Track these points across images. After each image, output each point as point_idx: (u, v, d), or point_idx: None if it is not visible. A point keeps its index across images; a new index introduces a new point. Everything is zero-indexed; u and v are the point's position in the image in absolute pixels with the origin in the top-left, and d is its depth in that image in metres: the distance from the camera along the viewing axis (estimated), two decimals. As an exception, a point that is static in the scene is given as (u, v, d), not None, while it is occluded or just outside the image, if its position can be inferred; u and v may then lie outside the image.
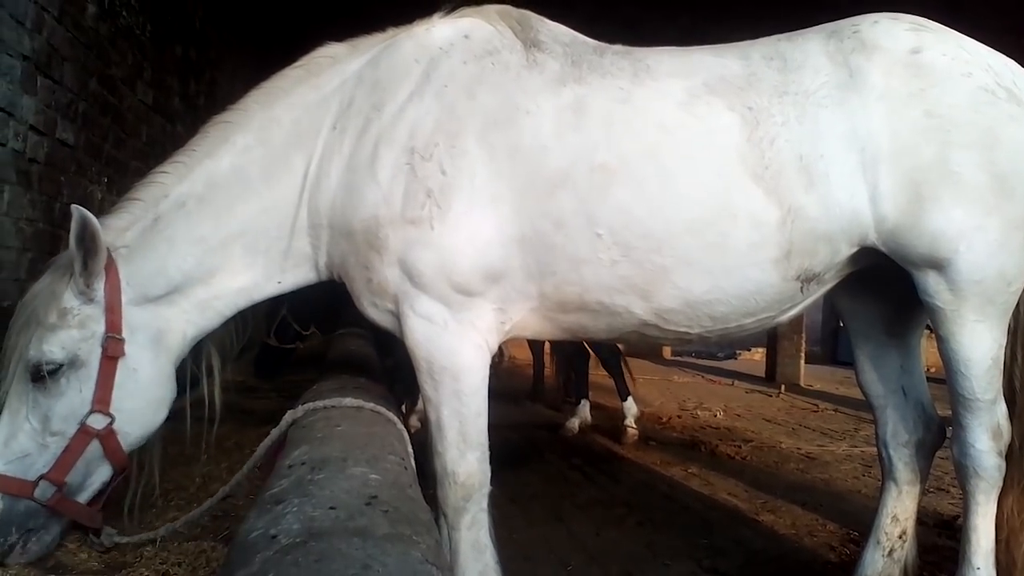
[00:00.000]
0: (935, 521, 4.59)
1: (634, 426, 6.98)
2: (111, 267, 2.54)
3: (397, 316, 2.64)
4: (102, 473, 2.59)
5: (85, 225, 2.43)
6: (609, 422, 7.41)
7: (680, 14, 8.68)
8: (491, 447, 2.68)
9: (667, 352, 18.82)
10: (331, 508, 1.42)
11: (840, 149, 2.51)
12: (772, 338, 13.56)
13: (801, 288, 2.65)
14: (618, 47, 2.79)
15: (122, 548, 2.80)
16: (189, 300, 2.68)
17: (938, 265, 2.55)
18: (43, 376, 2.45)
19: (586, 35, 2.87)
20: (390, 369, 4.76)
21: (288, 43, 3.89)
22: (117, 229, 2.63)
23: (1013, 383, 2.82)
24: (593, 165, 2.51)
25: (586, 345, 7.47)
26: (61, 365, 2.47)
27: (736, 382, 13.01)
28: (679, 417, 8.67)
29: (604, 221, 2.50)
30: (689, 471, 5.87)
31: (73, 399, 2.49)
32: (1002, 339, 2.67)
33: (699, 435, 7.44)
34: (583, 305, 2.64)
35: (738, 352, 20.26)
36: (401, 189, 2.52)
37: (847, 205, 2.52)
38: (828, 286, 2.79)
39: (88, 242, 2.45)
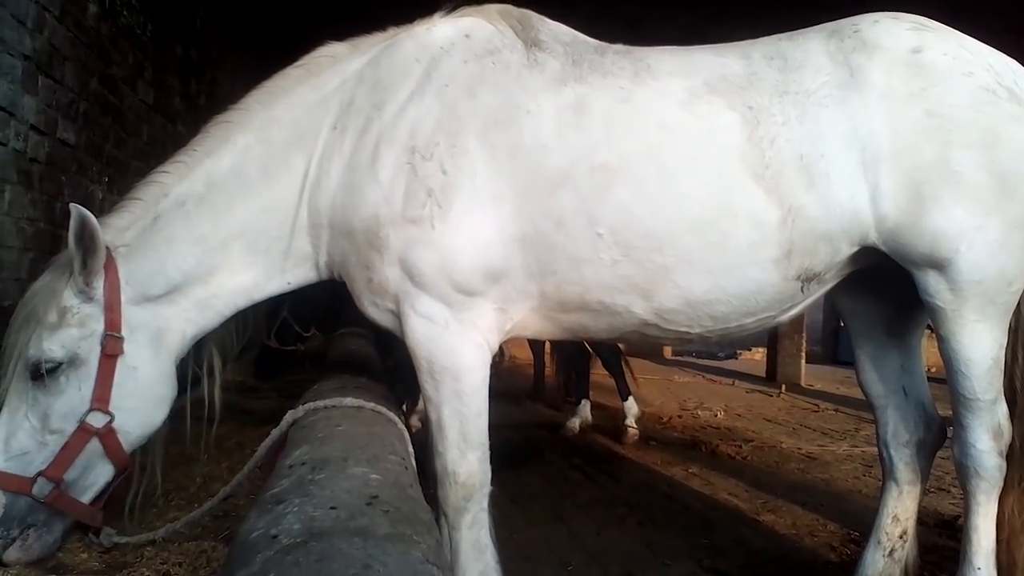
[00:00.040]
0: (936, 521, 4.59)
1: (635, 426, 6.98)
2: (110, 266, 2.54)
3: (398, 316, 2.64)
4: (104, 472, 2.59)
5: (84, 224, 2.43)
6: (610, 422, 7.41)
7: (681, 13, 8.68)
8: (492, 447, 2.68)
9: (668, 352, 18.82)
10: (332, 508, 1.41)
11: (841, 148, 2.50)
12: (773, 338, 13.56)
13: (802, 288, 2.65)
14: (619, 46, 2.79)
15: (123, 548, 2.80)
16: (189, 299, 2.68)
17: (939, 265, 2.55)
18: (42, 374, 2.45)
19: (587, 34, 2.87)
20: (391, 369, 4.76)
21: (289, 43, 3.89)
22: (117, 228, 2.63)
23: (1014, 383, 2.81)
24: (594, 164, 2.51)
25: (587, 345, 7.47)
26: (60, 363, 2.47)
27: (737, 382, 13.01)
28: (680, 417, 8.67)
29: (605, 220, 2.50)
30: (690, 471, 5.87)
31: (72, 397, 2.49)
32: (1003, 339, 2.67)
33: (700, 435, 7.44)
34: (584, 305, 2.64)
35: (739, 352, 20.25)
36: (402, 188, 2.52)
37: (848, 204, 2.51)
38: (829, 286, 2.79)
39: (87, 241, 2.45)
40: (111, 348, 2.51)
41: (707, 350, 19.25)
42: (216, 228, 2.66)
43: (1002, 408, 2.72)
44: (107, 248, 2.54)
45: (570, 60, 2.68)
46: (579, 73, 2.64)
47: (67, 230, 2.45)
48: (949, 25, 2.73)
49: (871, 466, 6.19)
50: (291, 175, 2.68)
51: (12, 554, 2.44)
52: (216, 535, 3.14)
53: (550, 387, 9.10)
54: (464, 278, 2.52)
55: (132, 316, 2.58)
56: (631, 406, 7.12)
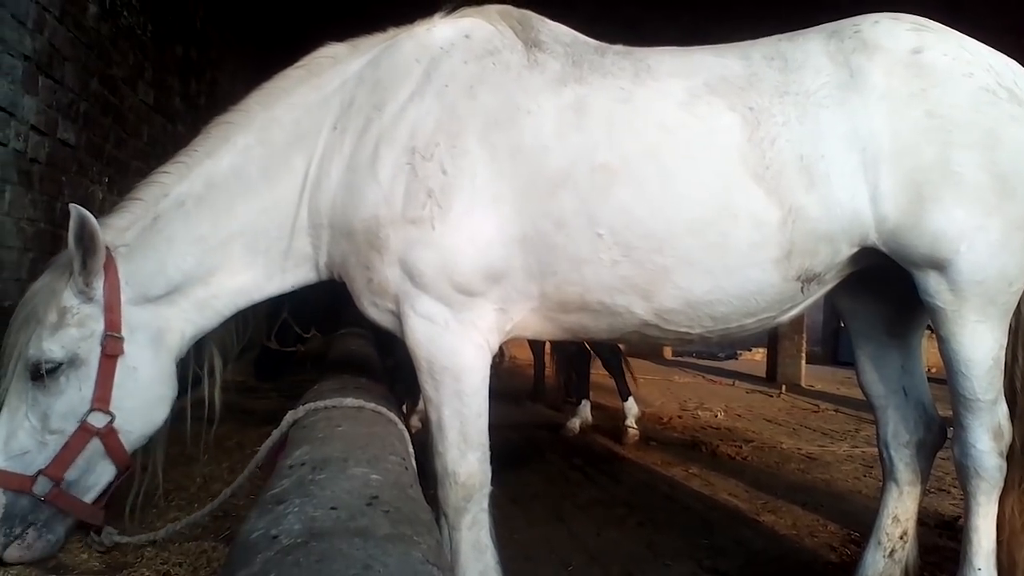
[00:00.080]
0: (936, 522, 4.59)
1: (635, 426, 6.98)
2: (110, 266, 2.55)
3: (398, 316, 2.64)
4: (106, 472, 2.59)
5: (83, 224, 2.43)
6: (610, 422, 7.41)
7: (681, 14, 8.69)
8: (492, 447, 2.68)
9: (668, 352, 18.83)
10: (332, 508, 1.41)
11: (841, 149, 2.50)
12: (773, 338, 13.56)
13: (802, 288, 2.65)
14: (619, 47, 2.79)
15: (123, 548, 2.80)
16: (189, 299, 2.68)
17: (939, 265, 2.55)
18: (42, 375, 2.46)
19: (587, 35, 2.87)
20: (391, 369, 4.76)
21: (289, 43, 3.89)
22: (117, 228, 2.63)
23: (1014, 383, 2.81)
24: (594, 165, 2.51)
25: (587, 345, 7.47)
26: (60, 364, 2.48)
27: (737, 382, 13.01)
28: (680, 417, 8.67)
29: (605, 221, 2.50)
30: (690, 471, 5.87)
31: (72, 397, 2.50)
32: (1003, 339, 2.67)
33: (700, 435, 7.44)
34: (584, 305, 2.64)
35: (739, 352, 20.25)
36: (402, 189, 2.52)
37: (848, 205, 2.52)
38: (829, 286, 2.79)
39: (87, 241, 2.45)
40: (111, 348, 2.52)
41: (707, 350, 19.26)
42: (216, 228, 2.66)
43: (1002, 409, 2.72)
44: (107, 248, 2.54)
45: (570, 61, 2.68)
46: (579, 74, 2.64)
47: (67, 230, 2.45)
48: (949, 25, 2.73)
49: (871, 467, 6.19)
50: (291, 175, 2.68)
51: (13, 552, 2.45)
52: (216, 535, 3.14)
53: (550, 387, 9.10)
54: (464, 278, 2.52)
55: (132, 316, 2.58)
56: (631, 406, 7.11)
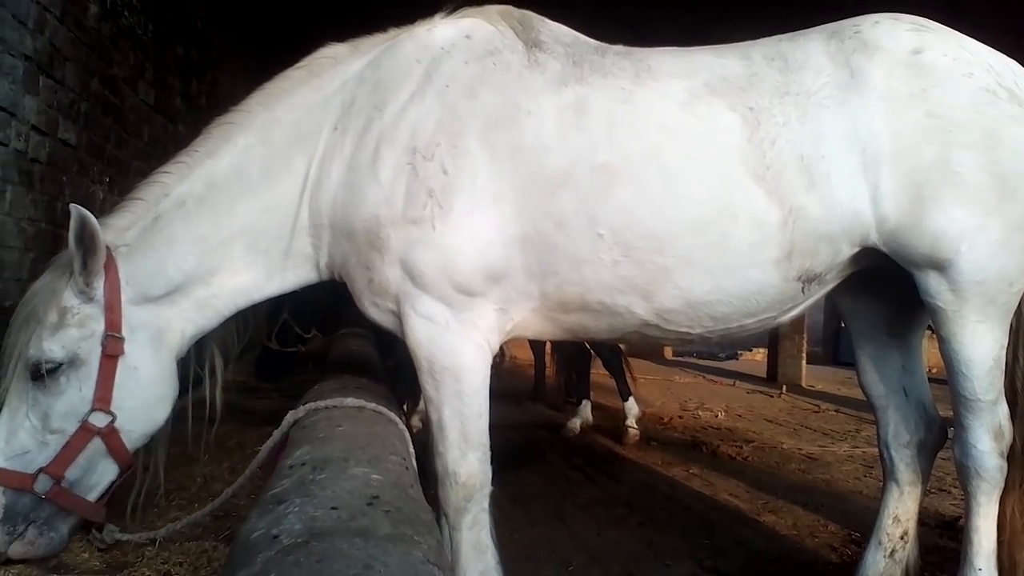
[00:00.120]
0: (937, 522, 4.59)
1: (635, 426, 6.97)
2: (111, 266, 2.55)
3: (398, 316, 2.64)
4: (108, 471, 2.60)
5: (84, 224, 2.43)
6: (610, 422, 7.40)
7: (682, 14, 8.69)
8: (492, 447, 2.68)
9: (668, 352, 18.82)
10: (333, 508, 1.42)
11: (841, 149, 2.51)
12: (773, 338, 13.56)
13: (802, 288, 2.65)
14: (619, 47, 2.79)
15: (123, 548, 2.80)
16: (189, 299, 2.69)
17: (939, 265, 2.55)
18: (42, 374, 2.46)
19: (588, 35, 2.87)
20: (391, 369, 4.76)
21: (289, 43, 3.90)
22: (118, 228, 2.64)
23: (1015, 384, 2.81)
24: (594, 165, 2.51)
25: (587, 345, 7.47)
26: (60, 364, 2.48)
27: (737, 382, 13.00)
28: (680, 417, 8.67)
29: (605, 221, 2.51)
30: (690, 471, 5.87)
31: (73, 397, 2.50)
32: (1004, 339, 2.67)
33: (700, 435, 7.44)
34: (584, 305, 2.64)
35: (739, 352, 20.25)
36: (403, 189, 2.52)
37: (848, 205, 2.52)
38: (829, 286, 2.79)
39: (87, 241, 2.46)
40: (112, 348, 2.52)
41: (708, 351, 19.26)
42: (217, 228, 2.66)
43: (1003, 409, 2.72)
44: (107, 248, 2.54)
45: (571, 61, 2.69)
46: (580, 74, 2.64)
47: (68, 230, 2.45)
48: (949, 26, 2.73)
49: (872, 467, 6.19)
50: (292, 175, 2.69)
51: (17, 548, 2.47)
52: (217, 535, 3.14)
53: (551, 387, 9.10)
54: (465, 278, 2.52)
55: (132, 316, 2.58)
56: (632, 407, 7.11)
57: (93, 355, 2.52)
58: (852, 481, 5.83)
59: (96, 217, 2.50)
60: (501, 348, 2.96)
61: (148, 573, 2.72)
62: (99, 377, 2.51)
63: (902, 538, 3.10)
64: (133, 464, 2.67)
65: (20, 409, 2.50)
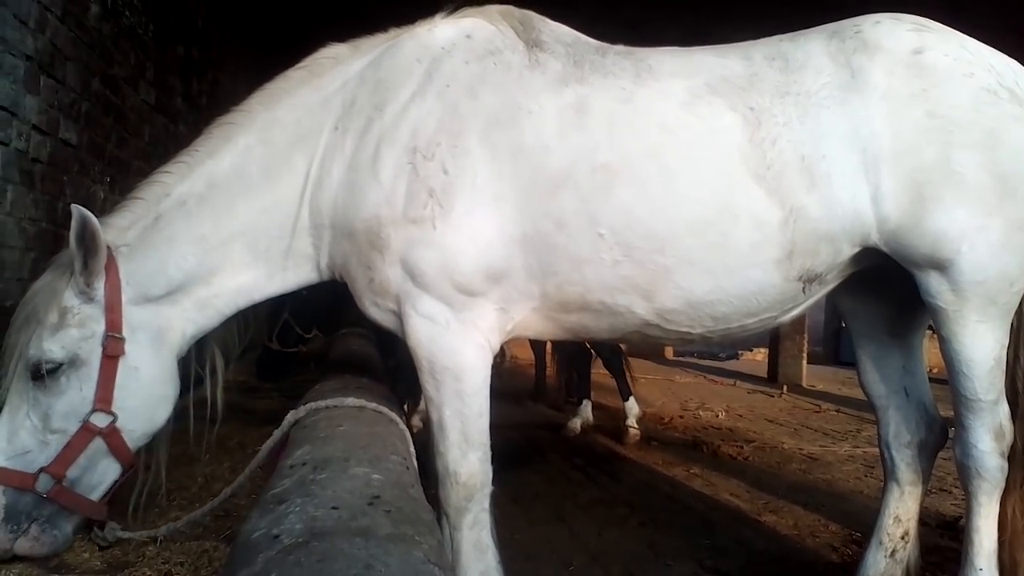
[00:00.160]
0: (937, 522, 4.59)
1: (636, 426, 6.98)
2: (111, 266, 2.55)
3: (399, 316, 2.64)
4: (110, 470, 2.60)
5: (85, 224, 2.43)
6: (611, 422, 7.40)
7: (683, 14, 8.69)
8: (493, 447, 2.68)
9: (669, 352, 18.83)
10: (333, 508, 1.42)
11: (842, 149, 2.50)
12: (774, 338, 13.56)
13: (803, 288, 2.65)
14: (620, 47, 2.79)
15: (124, 548, 2.81)
16: (190, 299, 2.68)
17: (940, 265, 2.54)
18: (43, 375, 2.46)
19: (588, 35, 2.87)
20: (392, 369, 4.76)
21: (290, 43, 3.90)
22: (119, 228, 2.63)
23: (1015, 384, 2.81)
24: (595, 165, 2.51)
25: (588, 345, 7.47)
26: (61, 364, 2.47)
27: (738, 382, 13.00)
28: (681, 417, 8.67)
29: (606, 221, 2.50)
30: (691, 471, 5.87)
31: (73, 397, 2.50)
32: (1004, 339, 2.67)
33: (701, 435, 7.44)
34: (585, 305, 2.64)
35: (740, 352, 20.25)
36: (403, 189, 2.52)
37: (849, 205, 2.51)
38: (830, 286, 2.79)
39: (88, 241, 2.45)
40: (112, 349, 2.52)
41: (709, 350, 19.26)
42: (217, 228, 2.66)
43: (1004, 409, 2.72)
44: (108, 248, 2.54)
45: (571, 61, 2.68)
46: (580, 74, 2.64)
47: (69, 230, 2.45)
48: (950, 26, 2.73)
49: (873, 467, 6.19)
50: (292, 175, 2.69)
51: (23, 545, 2.47)
52: (218, 535, 3.14)
53: (551, 387, 9.10)
54: (465, 278, 2.52)
55: (133, 316, 2.58)
56: (632, 406, 7.11)
57: (94, 355, 2.52)
58: (853, 481, 5.83)
59: (97, 217, 2.50)
60: (502, 348, 2.97)
61: (149, 573, 2.73)
62: (100, 377, 2.51)
63: (903, 538, 3.10)
64: (135, 463, 2.67)
65: (21, 409, 2.50)
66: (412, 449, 2.39)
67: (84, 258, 2.47)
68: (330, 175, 2.65)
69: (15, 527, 2.44)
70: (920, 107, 2.50)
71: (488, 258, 2.53)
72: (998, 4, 7.66)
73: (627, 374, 7.37)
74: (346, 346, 4.77)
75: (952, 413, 2.78)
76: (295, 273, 2.80)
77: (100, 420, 2.50)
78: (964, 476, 2.74)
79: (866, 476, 5.99)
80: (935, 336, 2.76)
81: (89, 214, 2.44)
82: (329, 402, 2.51)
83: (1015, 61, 2.68)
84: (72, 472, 2.50)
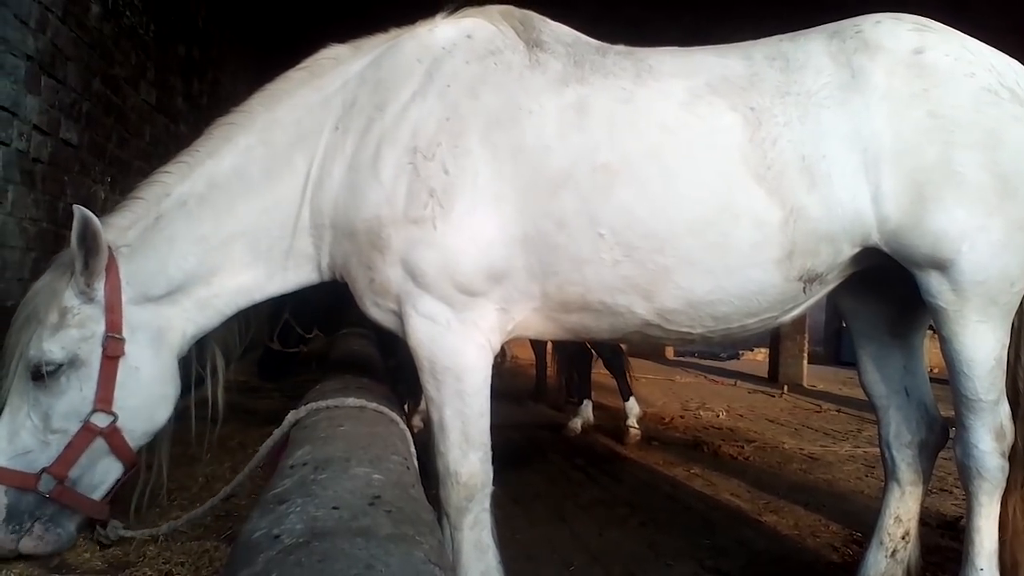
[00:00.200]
0: (938, 522, 4.58)
1: (636, 426, 6.97)
2: (111, 266, 2.55)
3: (400, 316, 2.64)
4: (112, 470, 2.61)
5: (87, 224, 2.44)
6: (612, 422, 7.40)
7: (683, 14, 8.69)
8: (494, 447, 2.68)
9: (670, 352, 18.82)
10: (334, 508, 1.42)
11: (842, 149, 2.50)
12: (775, 338, 13.55)
13: (804, 288, 2.65)
14: (620, 47, 2.79)
15: (125, 548, 2.81)
16: (190, 299, 2.69)
17: (941, 265, 2.54)
18: (43, 375, 2.46)
19: (589, 35, 2.87)
20: (393, 369, 4.76)
21: (290, 43, 3.91)
22: (119, 228, 2.64)
23: (1016, 384, 2.81)
24: (595, 165, 2.51)
25: (588, 345, 7.47)
26: (61, 364, 2.48)
27: (739, 382, 12.99)
28: (682, 417, 8.67)
29: (606, 221, 2.51)
30: (692, 471, 5.86)
31: (74, 398, 2.51)
32: (1005, 339, 2.67)
33: (702, 435, 7.44)
34: (585, 305, 2.64)
35: (741, 352, 20.25)
36: (404, 189, 2.52)
37: (849, 205, 2.51)
38: (831, 286, 2.79)
39: (89, 242, 2.46)
40: (112, 350, 2.52)
41: (709, 350, 19.25)
42: (218, 228, 2.67)
43: (1004, 409, 2.71)
44: (109, 248, 2.54)
45: (572, 61, 2.69)
46: (581, 74, 2.64)
47: (70, 230, 2.45)
48: (951, 25, 2.73)
49: (873, 467, 6.19)
50: (293, 175, 2.69)
51: (27, 544, 2.49)
52: (219, 535, 3.14)
53: (552, 387, 9.09)
54: (466, 278, 2.52)
55: (133, 316, 2.59)
56: (633, 406, 7.11)
57: (93, 356, 2.52)
58: (854, 481, 5.83)
59: (98, 217, 2.50)
60: (502, 348, 2.97)
61: (150, 573, 2.72)
62: (100, 378, 2.51)
63: (904, 538, 3.10)
64: (137, 462, 2.68)
65: (22, 409, 2.50)
66: (413, 449, 2.39)
67: (85, 258, 2.47)
68: (331, 175, 2.65)
69: (17, 527, 2.45)
70: (921, 107, 2.50)
71: (489, 258, 2.53)
72: (999, 4, 7.66)
73: (627, 374, 7.37)
74: (347, 346, 4.77)
75: (953, 413, 2.78)
76: (296, 273, 2.80)
77: (101, 420, 2.51)
78: (965, 476, 2.74)
79: (867, 476, 5.98)
80: (936, 336, 2.76)
81: (91, 214, 2.44)
82: (330, 402, 2.51)
83: (1016, 61, 2.67)
84: (74, 472, 2.51)
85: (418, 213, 2.50)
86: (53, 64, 4.61)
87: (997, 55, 2.66)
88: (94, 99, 5.32)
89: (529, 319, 2.72)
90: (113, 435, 2.53)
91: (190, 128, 7.06)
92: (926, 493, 3.22)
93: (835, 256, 2.61)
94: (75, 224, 2.43)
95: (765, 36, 2.81)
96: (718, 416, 8.88)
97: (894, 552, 3.09)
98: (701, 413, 9.06)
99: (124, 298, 2.57)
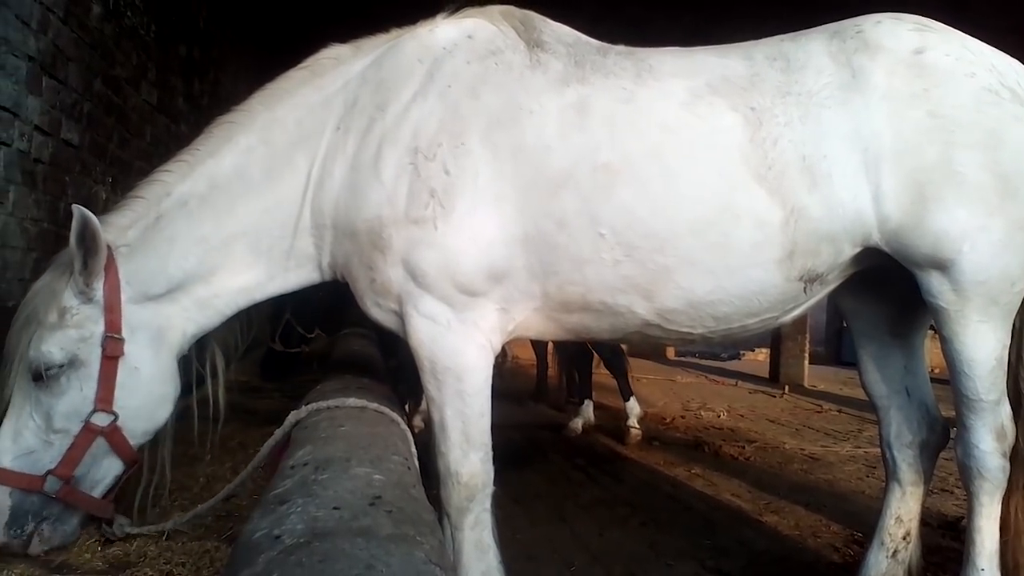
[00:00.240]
0: (939, 522, 4.58)
1: (637, 426, 6.97)
2: (110, 266, 2.55)
3: (400, 316, 2.64)
4: (113, 467, 2.61)
5: (86, 224, 2.43)
6: (612, 422, 7.40)
7: (684, 14, 8.69)
8: (494, 447, 2.68)
9: (671, 352, 18.81)
10: (335, 508, 1.42)
11: (843, 149, 2.50)
12: (776, 338, 13.54)
13: (804, 288, 2.65)
14: (621, 47, 2.79)
15: (126, 548, 2.81)
16: (190, 298, 2.69)
17: (942, 265, 2.54)
18: (43, 376, 2.46)
19: (590, 35, 2.87)
20: (393, 369, 4.76)
21: (291, 43, 3.91)
22: (119, 227, 2.63)
23: (1018, 384, 2.81)
24: (596, 165, 2.51)
25: (589, 345, 7.47)
26: (61, 365, 2.48)
27: (740, 383, 12.99)
28: (683, 417, 8.67)
29: (607, 221, 2.50)
30: (693, 471, 5.86)
31: (74, 398, 2.51)
32: (1006, 339, 2.66)
33: (703, 435, 7.44)
34: (586, 305, 2.64)
35: (742, 352, 20.23)
36: (405, 189, 2.52)
37: (850, 205, 2.51)
38: (831, 286, 2.79)
39: (88, 241, 2.45)
40: (112, 350, 2.52)
41: (710, 351, 19.24)
42: (218, 228, 2.66)
43: (1005, 409, 2.71)
44: (108, 248, 2.54)
45: (572, 61, 2.69)
46: (581, 74, 2.64)
47: (70, 230, 2.45)
48: (952, 25, 2.73)
49: (874, 467, 6.19)
50: (294, 175, 2.69)
51: (36, 547, 2.50)
52: (219, 535, 3.14)
53: (553, 388, 9.10)
54: (467, 278, 2.52)
55: (133, 315, 2.58)
56: (633, 406, 7.11)
57: (93, 356, 2.52)
58: (854, 481, 5.83)
59: (97, 217, 2.50)
60: (503, 348, 2.97)
61: (151, 573, 2.73)
62: (100, 378, 2.51)
63: (904, 538, 3.10)
64: (138, 460, 2.68)
65: (24, 409, 2.51)
66: (413, 449, 2.39)
67: (83, 258, 2.47)
68: (332, 175, 2.65)
69: (19, 531, 2.45)
70: (921, 107, 2.50)
71: (489, 258, 2.53)
72: (1000, 4, 7.66)
73: (628, 374, 7.37)
74: (348, 346, 4.77)
75: (954, 413, 2.78)
76: (297, 273, 2.80)
77: (101, 420, 2.51)
78: (966, 476, 2.74)
79: (868, 476, 5.98)
80: (936, 336, 2.75)
81: (90, 214, 2.44)
82: (331, 403, 2.51)
83: (1017, 61, 2.67)
84: (77, 471, 2.51)
85: (419, 213, 2.50)
86: (54, 64, 4.62)
87: (998, 55, 2.66)
88: (95, 99, 5.32)
89: (530, 319, 2.72)
90: (113, 433, 2.53)
91: (191, 128, 7.06)
92: (927, 493, 3.22)
93: (836, 256, 2.60)
94: (74, 224, 2.43)
95: (766, 36, 2.81)
96: (719, 416, 8.88)
97: (895, 552, 3.09)
98: (702, 413, 9.06)
99: (123, 297, 2.56)
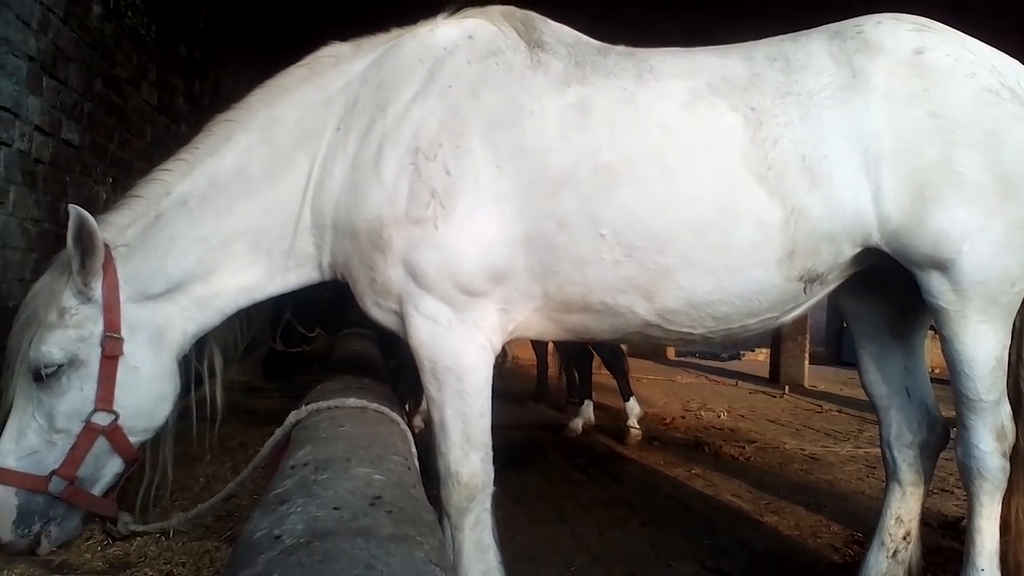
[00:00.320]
0: (939, 522, 4.59)
1: (637, 427, 6.97)
2: (109, 266, 2.54)
3: (401, 316, 2.64)
4: (113, 466, 2.61)
5: (82, 224, 2.43)
6: (612, 423, 7.41)
7: (685, 14, 8.69)
8: (495, 447, 2.68)
9: (671, 352, 18.81)
10: (335, 508, 1.42)
11: (843, 149, 2.50)
12: (776, 339, 13.54)
13: (804, 289, 2.65)
14: (622, 48, 2.79)
15: (126, 548, 2.82)
16: (189, 297, 2.68)
17: (942, 265, 2.54)
18: (44, 376, 2.46)
19: (591, 36, 2.87)
20: (394, 369, 4.76)
21: (291, 43, 3.90)
22: (118, 226, 2.63)
23: (1018, 384, 2.81)
24: (596, 165, 2.51)
25: (589, 346, 7.47)
26: (61, 365, 2.48)
27: (740, 383, 12.99)
28: (683, 418, 8.67)
29: (607, 221, 2.51)
30: (693, 472, 5.87)
31: (75, 398, 2.50)
32: (1006, 339, 2.66)
33: (703, 436, 7.44)
34: (586, 305, 2.64)
35: (742, 353, 20.23)
36: (405, 189, 2.52)
37: (850, 205, 2.51)
38: (831, 286, 2.79)
39: (85, 241, 2.45)
40: (111, 349, 2.52)
41: (710, 351, 19.24)
42: (218, 227, 2.66)
43: (1005, 409, 2.71)
44: (106, 247, 2.54)
45: (573, 61, 2.69)
46: (582, 74, 2.64)
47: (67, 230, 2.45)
48: (951, 25, 2.73)
49: (874, 467, 6.19)
50: (295, 175, 2.68)
51: (45, 548, 2.50)
52: (219, 535, 3.15)
53: (553, 388, 9.11)
54: (467, 279, 2.52)
55: (132, 315, 2.58)
56: (634, 407, 7.11)
57: (93, 356, 2.51)
58: (855, 481, 5.83)
59: (96, 217, 2.50)
60: (503, 348, 2.97)
61: (151, 573, 2.73)
62: (100, 377, 2.51)
63: (905, 538, 3.10)
64: (139, 458, 2.68)
65: (27, 410, 2.50)
66: (414, 449, 2.39)
67: (81, 258, 2.46)
68: (332, 175, 2.65)
69: (26, 530, 2.46)
70: (921, 107, 2.50)
71: (490, 258, 2.53)
72: (1000, 4, 7.66)
73: (628, 374, 7.37)
74: (348, 346, 4.77)
75: (954, 413, 2.78)
76: (297, 273, 2.80)
77: (102, 419, 2.51)
78: (966, 476, 2.74)
79: (868, 477, 5.98)
80: (936, 336, 2.75)
81: (86, 213, 2.43)
82: (331, 403, 2.51)
83: (1017, 61, 2.67)
84: (81, 471, 2.51)
85: (419, 213, 2.50)
86: (55, 65, 4.62)
87: (998, 55, 2.66)
88: (95, 100, 5.33)
89: (530, 319, 2.72)
90: (114, 433, 2.53)
91: (191, 128, 6.99)
92: (927, 493, 3.22)
93: (836, 256, 2.60)
94: (71, 223, 2.42)
95: (767, 36, 2.81)
96: (719, 416, 8.88)
97: (895, 552, 3.09)
98: (702, 413, 9.06)
99: (123, 297, 2.56)
